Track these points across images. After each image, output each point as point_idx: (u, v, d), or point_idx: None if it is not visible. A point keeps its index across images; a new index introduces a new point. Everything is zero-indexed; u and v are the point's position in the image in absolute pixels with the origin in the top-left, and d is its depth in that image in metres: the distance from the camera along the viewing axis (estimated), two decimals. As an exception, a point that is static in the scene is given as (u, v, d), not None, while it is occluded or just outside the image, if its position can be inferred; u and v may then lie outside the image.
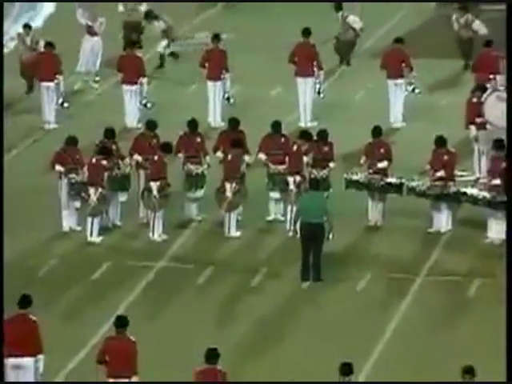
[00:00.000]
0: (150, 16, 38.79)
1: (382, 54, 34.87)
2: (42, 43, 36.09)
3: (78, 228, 29.40)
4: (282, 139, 29.89)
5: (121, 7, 40.04)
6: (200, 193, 29.84)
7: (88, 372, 23.07)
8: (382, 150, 29.66)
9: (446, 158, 29.30)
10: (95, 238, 29.05)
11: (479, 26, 34.83)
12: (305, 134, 30.04)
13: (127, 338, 22.35)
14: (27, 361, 22.79)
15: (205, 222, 29.94)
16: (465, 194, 29.16)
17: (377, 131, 30.02)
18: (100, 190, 28.85)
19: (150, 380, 22.58)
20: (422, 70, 34.51)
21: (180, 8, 41.39)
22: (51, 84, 34.64)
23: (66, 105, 34.89)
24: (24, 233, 29.28)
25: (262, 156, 29.61)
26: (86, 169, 29.14)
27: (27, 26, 37.38)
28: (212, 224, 29.87)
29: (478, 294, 27.17)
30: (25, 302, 22.87)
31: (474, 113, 31.33)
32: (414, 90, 33.94)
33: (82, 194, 29.08)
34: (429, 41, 37.81)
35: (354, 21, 35.20)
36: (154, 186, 28.84)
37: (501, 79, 31.75)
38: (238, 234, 29.42)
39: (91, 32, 38.52)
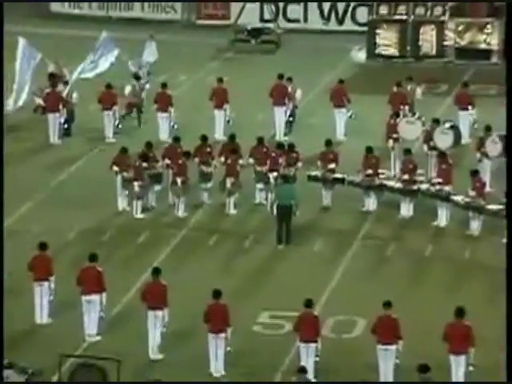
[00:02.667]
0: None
1: (330, 91, 34.49)
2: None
3: (128, 208, 29.26)
4: (264, 149, 29.86)
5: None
6: (209, 184, 29.62)
7: (134, 305, 23.49)
8: (331, 156, 29.73)
9: (373, 161, 29.42)
10: (139, 215, 29.06)
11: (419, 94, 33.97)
12: (280, 145, 30.27)
13: (160, 282, 22.71)
14: (95, 297, 23.09)
15: (212, 204, 29.71)
16: (385, 185, 29.25)
17: (328, 142, 30.07)
18: (141, 182, 28.77)
19: (175, 309, 22.63)
20: (356, 102, 34.14)
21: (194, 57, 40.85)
22: (110, 112, 33.99)
23: (119, 126, 34.28)
24: (94, 210, 29.18)
25: (251, 160, 29.55)
26: (132, 168, 29.06)
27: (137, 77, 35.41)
28: (217, 205, 29.58)
29: (393, 254, 27.22)
30: (93, 257, 23.34)
31: (391, 131, 31.22)
32: (351, 116, 33.58)
33: (130, 185, 29.04)
34: (362, 82, 37.26)
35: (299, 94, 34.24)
36: (179, 180, 28.87)
37: (406, 109, 31.96)
38: (234, 212, 29.42)
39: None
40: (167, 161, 29.48)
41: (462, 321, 21.21)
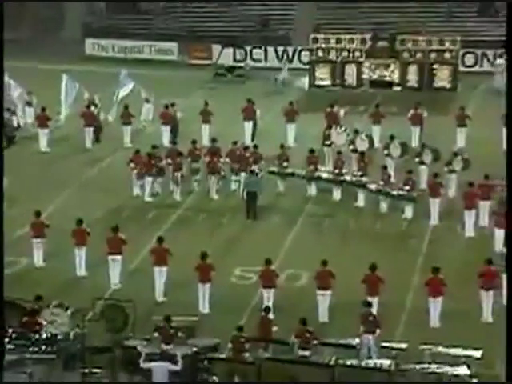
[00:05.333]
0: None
1: (283, 109, 34.11)
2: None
3: (140, 193, 28.94)
4: (237, 151, 29.55)
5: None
6: (198, 177, 29.32)
7: (145, 262, 23.32)
8: (285, 157, 29.47)
9: (314, 159, 29.16)
10: (148, 198, 28.72)
11: (341, 114, 32.95)
12: (247, 148, 29.90)
13: (163, 247, 22.60)
14: (117, 257, 23.11)
15: (201, 191, 29.30)
16: (321, 177, 29.01)
17: (282, 146, 29.90)
18: (152, 178, 28.65)
19: (173, 266, 22.48)
20: (300, 118, 33.66)
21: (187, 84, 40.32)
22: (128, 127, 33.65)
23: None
24: (116, 195, 28.84)
25: (228, 159, 29.27)
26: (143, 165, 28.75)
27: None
28: (204, 192, 29.21)
29: (327, 227, 27.02)
30: (116, 229, 23.21)
31: (326, 138, 31.01)
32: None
33: (141, 178, 28.81)
34: (305, 104, 36.70)
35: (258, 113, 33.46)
36: (176, 173, 28.67)
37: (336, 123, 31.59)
38: (216, 197, 29.07)
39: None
40: (168, 160, 29.15)
41: (374, 273, 21.26)
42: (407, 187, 27.14)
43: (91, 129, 33.38)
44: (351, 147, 30.17)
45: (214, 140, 30.09)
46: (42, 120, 32.99)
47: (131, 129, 33.67)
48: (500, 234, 24.30)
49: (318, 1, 47.42)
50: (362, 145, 29.99)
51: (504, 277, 21.41)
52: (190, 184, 29.28)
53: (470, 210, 25.92)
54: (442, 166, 28.12)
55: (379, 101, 34.90)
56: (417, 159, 29.05)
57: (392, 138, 30.15)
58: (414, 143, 31.80)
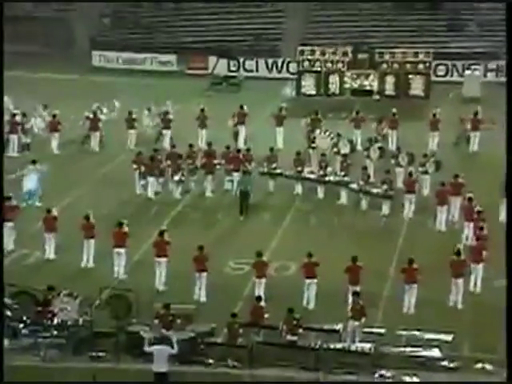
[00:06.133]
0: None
1: (273, 115, 33.91)
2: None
3: (143, 192, 28.75)
4: (230, 154, 29.40)
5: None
6: (195, 177, 29.13)
7: (148, 254, 23.20)
8: (273, 159, 29.35)
9: (300, 161, 29.04)
10: (151, 195, 28.54)
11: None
12: (238, 151, 29.63)
13: (164, 240, 22.49)
14: (122, 250, 22.98)
15: (197, 190, 29.12)
16: (308, 177, 28.89)
17: (272, 150, 29.72)
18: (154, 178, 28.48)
19: (173, 257, 22.36)
20: (288, 123, 33.35)
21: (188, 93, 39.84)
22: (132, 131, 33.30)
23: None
24: (120, 193, 28.62)
25: (222, 161, 29.14)
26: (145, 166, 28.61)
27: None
28: (200, 191, 29.08)
29: (313, 222, 27.10)
30: (120, 224, 23.15)
31: (311, 142, 30.81)
32: None
33: (143, 178, 28.65)
34: (292, 110, 35.76)
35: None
36: (175, 174, 28.54)
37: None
38: (211, 194, 28.97)
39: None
40: (168, 161, 29.03)
41: (355, 263, 21.26)
42: (385, 186, 27.13)
43: (97, 133, 33.18)
44: (335, 150, 30.08)
45: (209, 144, 29.94)
46: (54, 125, 32.85)
47: (134, 133, 33.36)
48: (469, 227, 24.49)
49: (311, 0, 47.25)
50: (344, 148, 29.88)
51: (474, 266, 21.58)
52: (187, 183, 29.08)
53: (442, 206, 25.99)
54: (417, 168, 28.13)
55: (359, 108, 34.74)
56: (393, 161, 29.01)
57: (371, 141, 29.95)
58: (392, 146, 31.77)
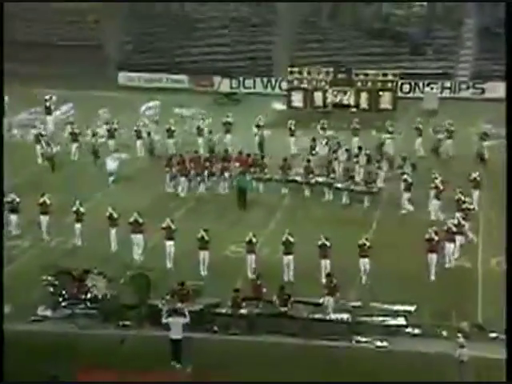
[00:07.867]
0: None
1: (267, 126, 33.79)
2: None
3: (173, 191, 28.34)
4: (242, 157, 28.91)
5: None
6: (214, 178, 28.63)
7: (161, 239, 22.90)
8: (263, 162, 28.78)
9: (287, 165, 28.63)
10: (181, 192, 28.14)
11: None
12: (240, 154, 29.13)
13: (171, 227, 22.45)
14: (140, 235, 22.88)
15: (204, 189, 28.73)
16: (295, 180, 28.50)
17: (260, 151, 29.65)
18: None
19: (181, 241, 22.27)
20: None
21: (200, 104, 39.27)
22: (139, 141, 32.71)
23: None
24: (150, 190, 28.12)
25: (237, 164, 28.60)
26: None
27: None
28: (211, 188, 28.72)
29: (300, 217, 26.71)
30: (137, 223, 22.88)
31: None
32: None
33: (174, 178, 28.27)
34: (283, 122, 34.67)
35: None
36: (183, 178, 28.21)
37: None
38: (223, 192, 28.57)
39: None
40: (177, 166, 28.43)
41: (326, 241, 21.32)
42: (369, 184, 27.35)
43: (113, 141, 32.55)
44: (334, 156, 29.59)
45: (211, 150, 29.73)
46: (74, 136, 32.31)
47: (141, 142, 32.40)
48: (435, 203, 25.12)
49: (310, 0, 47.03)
50: (342, 155, 29.74)
51: (447, 245, 21.61)
52: (195, 184, 28.46)
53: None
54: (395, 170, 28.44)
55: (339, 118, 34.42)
56: (376, 164, 28.83)
57: (360, 148, 29.81)
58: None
